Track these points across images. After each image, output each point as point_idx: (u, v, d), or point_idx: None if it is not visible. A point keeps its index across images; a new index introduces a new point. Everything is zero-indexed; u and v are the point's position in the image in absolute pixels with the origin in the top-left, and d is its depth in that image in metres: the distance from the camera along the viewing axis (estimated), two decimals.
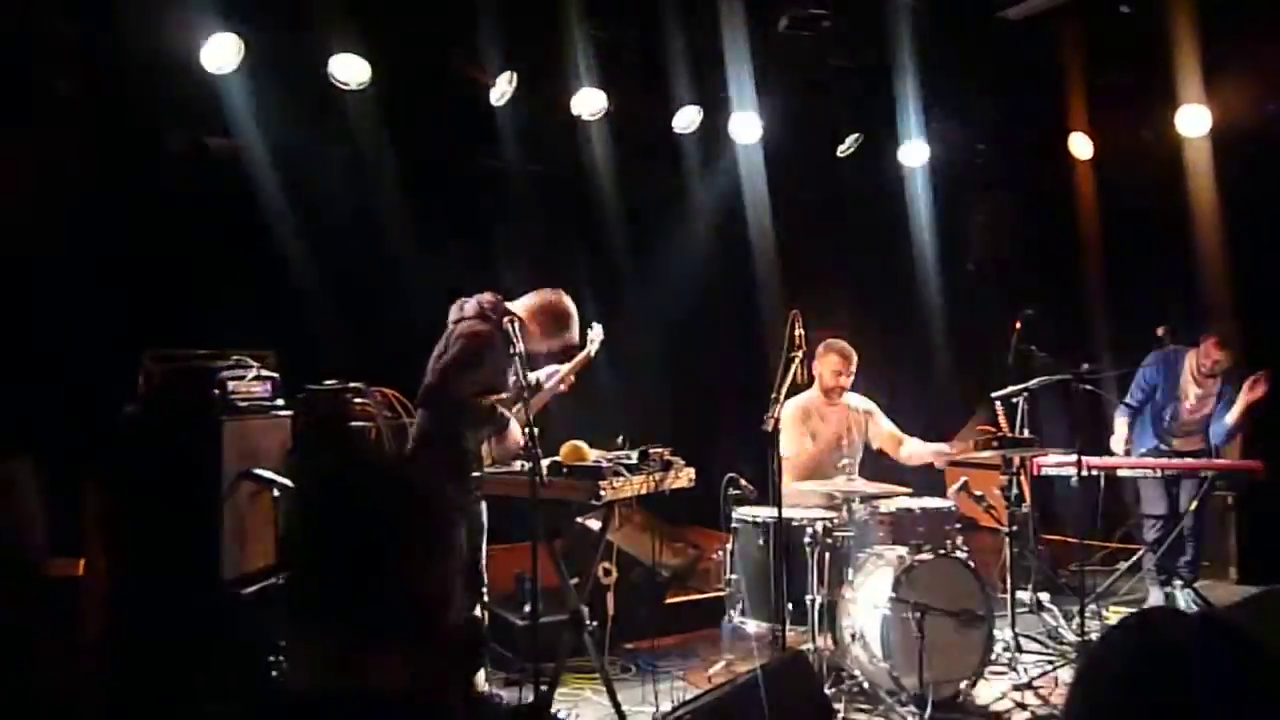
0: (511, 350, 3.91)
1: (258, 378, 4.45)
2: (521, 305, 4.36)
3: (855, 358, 5.28)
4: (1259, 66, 5.73)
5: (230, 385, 4.28)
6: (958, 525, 4.89)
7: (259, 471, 4.19)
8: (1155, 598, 5.63)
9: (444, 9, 5.35)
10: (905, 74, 6.28)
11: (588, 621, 4.11)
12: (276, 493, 4.19)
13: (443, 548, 1.46)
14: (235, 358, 4.41)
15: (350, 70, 5.17)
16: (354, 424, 4.68)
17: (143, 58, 4.80)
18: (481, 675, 4.25)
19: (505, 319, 4.03)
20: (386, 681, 1.34)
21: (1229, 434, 5.48)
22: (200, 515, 3.97)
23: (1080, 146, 6.64)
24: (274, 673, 3.93)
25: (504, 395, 4.19)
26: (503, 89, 5.58)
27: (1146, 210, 6.37)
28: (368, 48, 5.15)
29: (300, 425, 4.56)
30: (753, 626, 4.79)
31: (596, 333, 4.59)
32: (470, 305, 4.25)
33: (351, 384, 4.74)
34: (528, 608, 5.16)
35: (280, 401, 4.52)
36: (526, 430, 3.78)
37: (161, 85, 4.96)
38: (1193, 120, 5.90)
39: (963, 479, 5.19)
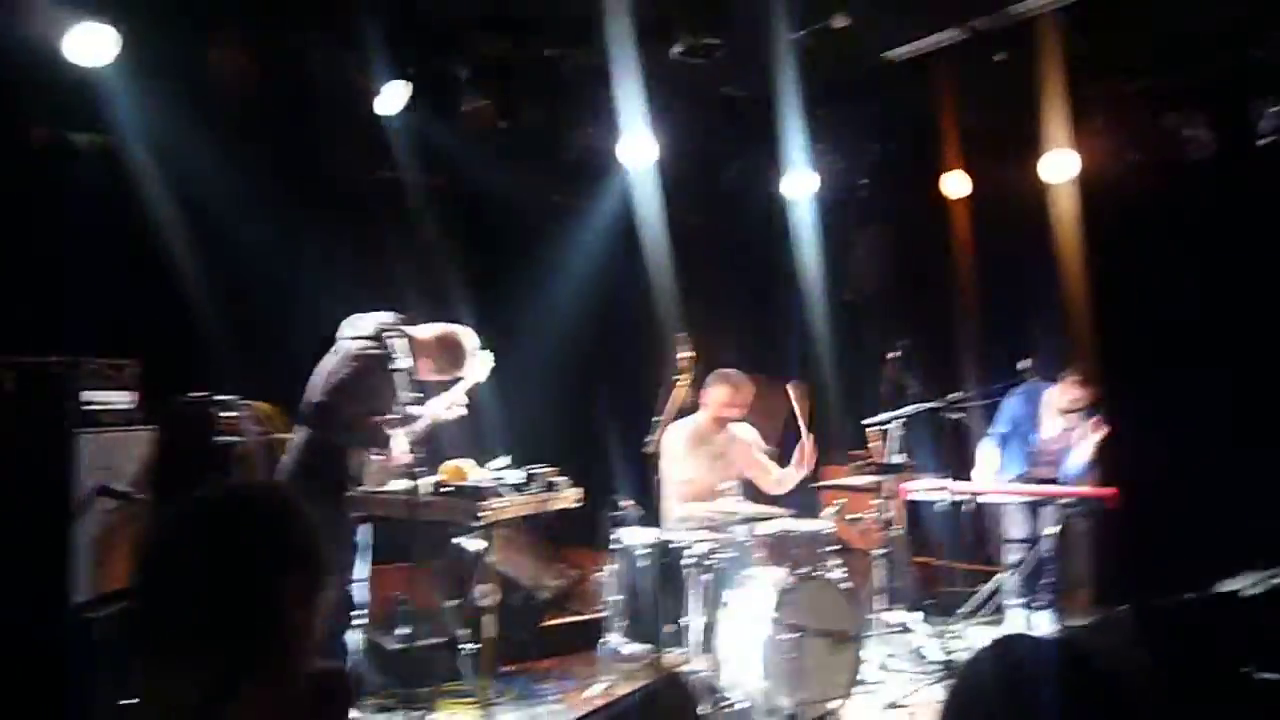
0: (395, 367, 3.81)
1: (118, 387, 4.22)
2: (423, 330, 4.29)
3: (746, 389, 5.36)
4: (1123, 117, 6.11)
5: (88, 395, 4.05)
6: (833, 548, 5.01)
7: (116, 487, 3.96)
8: (1016, 619, 5.87)
9: (333, 11, 5.23)
10: (790, 107, 6.45)
11: (466, 645, 4.02)
12: (136, 510, 3.98)
13: (318, 579, 1.38)
14: (94, 366, 4.17)
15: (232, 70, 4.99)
16: (221, 439, 4.50)
17: (5, 47, 4.52)
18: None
19: (399, 340, 3.94)
20: None
21: (1078, 475, 5.79)
22: (50, 533, 3.71)
23: (954, 186, 6.94)
24: (128, 700, 3.71)
25: (391, 417, 4.09)
26: (392, 98, 5.47)
27: (1015, 250, 6.69)
28: (251, 47, 4.98)
29: (164, 439, 4.36)
30: (631, 648, 4.79)
31: (485, 358, 4.52)
32: (365, 324, 4.13)
33: (219, 397, 4.56)
34: (402, 631, 5.07)
35: (142, 414, 4.30)
36: (409, 452, 3.69)
37: (25, 77, 4.67)
38: (1059, 166, 6.23)
39: (840, 502, 5.31)
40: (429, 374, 4.26)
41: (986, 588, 5.94)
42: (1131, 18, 5.50)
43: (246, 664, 1.27)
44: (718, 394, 5.34)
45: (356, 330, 4.13)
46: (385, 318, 4.13)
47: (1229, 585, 4.79)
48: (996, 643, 1.30)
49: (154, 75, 4.83)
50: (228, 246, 5.19)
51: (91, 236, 4.80)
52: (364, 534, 4.08)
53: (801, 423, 5.38)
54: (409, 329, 4.18)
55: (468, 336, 4.36)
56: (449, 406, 4.41)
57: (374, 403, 4.03)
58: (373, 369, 3.99)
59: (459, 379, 4.42)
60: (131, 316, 4.78)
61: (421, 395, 4.17)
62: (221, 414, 4.50)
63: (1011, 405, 5.93)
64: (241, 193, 5.19)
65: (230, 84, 5.00)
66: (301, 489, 3.84)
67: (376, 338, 4.05)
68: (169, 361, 4.67)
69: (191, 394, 4.53)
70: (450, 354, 4.29)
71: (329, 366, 4.09)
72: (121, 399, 4.22)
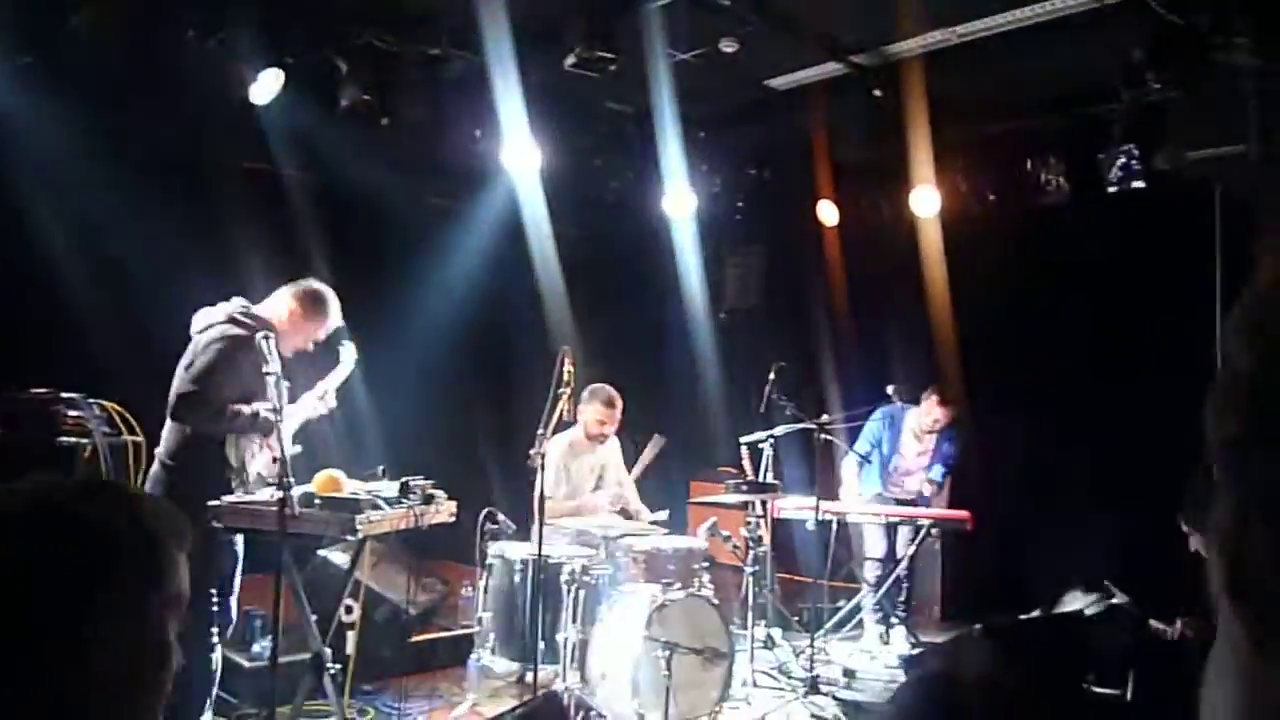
0: (266, 370, 3.61)
1: None
2: (274, 299, 4.07)
3: (619, 405, 5.37)
4: (985, 158, 6.45)
5: None
6: (705, 564, 5.05)
7: None
8: (872, 634, 6.07)
9: None
10: (673, 126, 6.53)
11: (329, 663, 3.84)
12: None
13: (169, 591, 1.11)
14: None
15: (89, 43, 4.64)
16: (66, 439, 4.17)
17: None
18: None
19: (260, 333, 3.73)
20: None
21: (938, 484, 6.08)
22: None
23: (826, 213, 7.16)
24: None
25: (262, 401, 3.88)
26: (267, 87, 5.23)
27: (883, 276, 6.96)
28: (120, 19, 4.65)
29: (0, 436, 4.01)
30: (501, 665, 4.69)
31: (348, 350, 4.35)
32: (218, 312, 3.92)
33: (64, 394, 4.23)
34: (257, 647, 4.81)
35: None
36: (277, 457, 3.50)
37: None
38: (924, 200, 6.53)
39: (712, 519, 5.37)
40: (300, 337, 4.04)
41: (846, 605, 6.14)
42: (995, 67, 5.82)
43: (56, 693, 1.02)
44: (592, 410, 5.33)
45: (208, 320, 3.91)
46: (236, 304, 3.94)
47: (1070, 605, 5.10)
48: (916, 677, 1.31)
49: (10, 46, 4.46)
50: (88, 237, 4.84)
51: None
52: (239, 545, 3.86)
53: (636, 469, 5.49)
54: (259, 307, 3.99)
55: (316, 283, 4.17)
56: (320, 397, 4.22)
57: (240, 386, 3.82)
58: (234, 349, 3.78)
59: (331, 341, 4.21)
60: None
61: (289, 384, 3.96)
62: (68, 412, 4.18)
63: (873, 427, 6.16)
64: (101, 178, 4.85)
65: (91, 59, 4.66)
66: (177, 492, 3.63)
67: (231, 321, 3.85)
68: (8, 354, 4.32)
69: (31, 390, 4.18)
70: (313, 302, 4.08)
71: (186, 360, 3.85)
72: None
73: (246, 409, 3.81)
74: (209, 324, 3.90)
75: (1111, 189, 5.88)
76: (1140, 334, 5.91)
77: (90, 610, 1.05)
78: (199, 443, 3.78)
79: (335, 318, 4.18)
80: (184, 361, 3.85)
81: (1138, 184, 5.84)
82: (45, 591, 1.03)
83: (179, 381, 3.78)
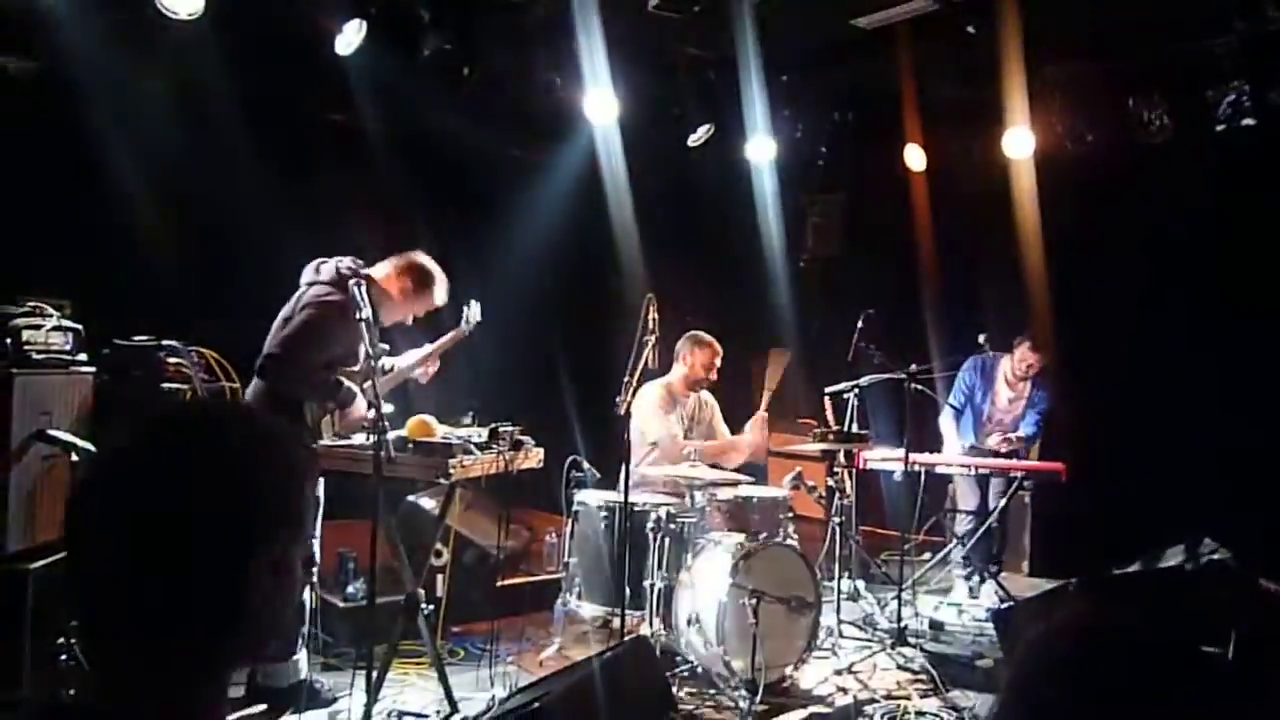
0: (359, 316, 3.64)
1: (57, 328, 3.99)
2: (383, 267, 4.10)
3: (718, 352, 5.38)
4: (1084, 97, 6.17)
5: (25, 335, 3.82)
6: (790, 514, 5.02)
7: (54, 433, 3.75)
8: (960, 588, 5.98)
9: None
10: (753, 70, 6.38)
11: (423, 604, 3.92)
12: (75, 457, 3.77)
13: (300, 530, 1.12)
14: (31, 304, 3.94)
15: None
16: (166, 385, 4.29)
17: None
18: (302, 660, 3.98)
19: (354, 282, 3.76)
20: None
21: (1030, 438, 5.90)
22: None
23: (913, 158, 6.96)
24: (64, 656, 3.55)
25: (353, 369, 3.93)
26: (350, 38, 5.24)
27: (973, 222, 6.76)
28: None
29: (105, 384, 4.14)
30: (587, 610, 4.75)
31: (473, 311, 4.33)
32: (327, 269, 3.92)
33: (165, 342, 4.35)
34: (351, 588, 4.95)
35: (83, 356, 4.08)
36: (372, 406, 3.53)
37: None
38: (1018, 142, 6.29)
39: (797, 469, 5.32)
40: (400, 308, 4.07)
41: (932, 557, 6.05)
42: (1097, 1, 5.54)
43: (193, 649, 1.04)
44: (702, 356, 5.32)
45: (315, 276, 3.93)
46: (344, 262, 3.94)
47: (1170, 560, 4.94)
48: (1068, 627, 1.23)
49: (98, 4, 4.54)
50: (179, 188, 4.94)
51: (30, 171, 4.52)
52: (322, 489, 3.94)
53: (766, 392, 5.39)
54: (368, 269, 4.01)
55: (428, 260, 4.18)
56: (422, 365, 4.25)
57: (332, 353, 3.85)
58: (329, 317, 3.77)
59: (433, 311, 4.24)
60: (74, 256, 4.53)
61: (387, 348, 4.01)
62: (168, 360, 4.30)
63: (966, 377, 6.02)
64: (192, 132, 4.94)
65: (179, 15, 4.71)
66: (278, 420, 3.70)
67: (334, 283, 3.86)
68: (113, 304, 4.45)
69: (135, 338, 4.31)
70: (418, 279, 4.09)
71: (285, 313, 3.89)
72: (59, 340, 4.00)
73: (332, 377, 3.82)
74: (314, 280, 3.91)
75: (1220, 127, 5.60)
76: (1246, 278, 5.63)
77: (265, 539, 1.06)
78: (278, 398, 3.81)
79: (440, 296, 4.16)
80: (283, 314, 3.88)
81: (1248, 121, 5.56)
82: (215, 507, 1.03)
83: (271, 340, 3.80)
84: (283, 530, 1.08)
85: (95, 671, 1.04)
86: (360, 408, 3.86)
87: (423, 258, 4.17)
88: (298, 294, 3.91)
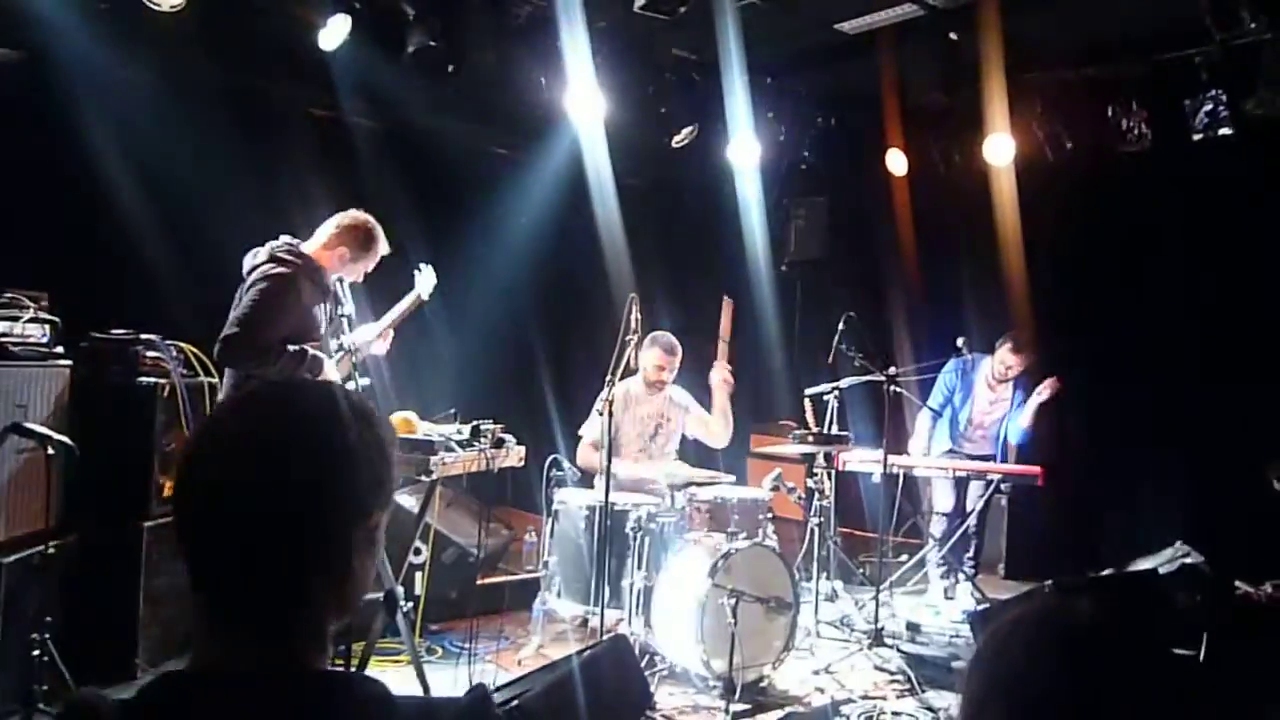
0: (341, 312, 3.62)
1: (34, 320, 3.96)
2: (320, 234, 4.01)
3: (679, 352, 5.31)
4: (1060, 106, 6.23)
5: (1, 327, 3.80)
6: (769, 515, 5.04)
7: (31, 425, 3.71)
8: (937, 589, 6.03)
9: None
10: (737, 73, 6.41)
11: (403, 601, 3.91)
12: (51, 450, 3.74)
13: (390, 500, 1.20)
14: (8, 296, 3.90)
15: None
16: (144, 379, 4.26)
17: None
18: None
19: (328, 276, 3.73)
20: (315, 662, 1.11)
21: (1023, 434, 5.93)
22: None
23: (895, 162, 7.01)
24: (36, 651, 3.51)
25: (317, 341, 3.89)
26: (335, 32, 5.21)
27: (953, 227, 6.81)
28: None
29: (82, 376, 4.11)
30: (566, 609, 4.75)
31: (426, 274, 4.30)
32: (262, 252, 3.90)
33: (143, 335, 4.31)
34: None
35: (60, 349, 4.05)
36: (352, 383, 3.50)
37: None
38: (998, 149, 6.34)
39: (777, 470, 5.34)
40: (349, 268, 4.00)
41: (910, 559, 6.09)
42: (1075, 8, 5.60)
43: (305, 610, 1.10)
44: (650, 356, 5.27)
45: (253, 261, 3.89)
46: (278, 244, 3.90)
47: (1143, 564, 4.99)
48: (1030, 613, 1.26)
49: None
50: (160, 181, 4.89)
51: (9, 162, 4.47)
52: None
53: (722, 343, 5.34)
54: (306, 244, 3.96)
55: (359, 213, 4.11)
56: (380, 334, 4.21)
57: (287, 325, 3.79)
58: (277, 289, 3.71)
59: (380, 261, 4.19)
60: (52, 248, 4.48)
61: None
62: (146, 353, 4.27)
63: (947, 379, 6.05)
64: (175, 125, 4.90)
65: (163, 7, 4.68)
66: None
67: (276, 260, 3.81)
68: (91, 297, 4.41)
69: (112, 331, 4.27)
70: (360, 234, 4.00)
71: (235, 302, 3.84)
72: (36, 332, 3.97)
73: (293, 348, 3.76)
74: (253, 264, 3.88)
75: (1196, 136, 5.67)
76: (1222, 287, 5.71)
77: (368, 507, 1.13)
78: (246, 382, 3.78)
79: (382, 248, 4.08)
80: (234, 304, 3.85)
81: (1225, 131, 5.63)
82: (339, 475, 1.10)
83: (226, 325, 3.77)
84: (379, 498, 1.15)
85: (215, 641, 1.09)
86: (333, 379, 3.83)
87: (352, 215, 4.06)
88: (242, 285, 3.86)
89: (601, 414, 4.43)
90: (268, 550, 1.07)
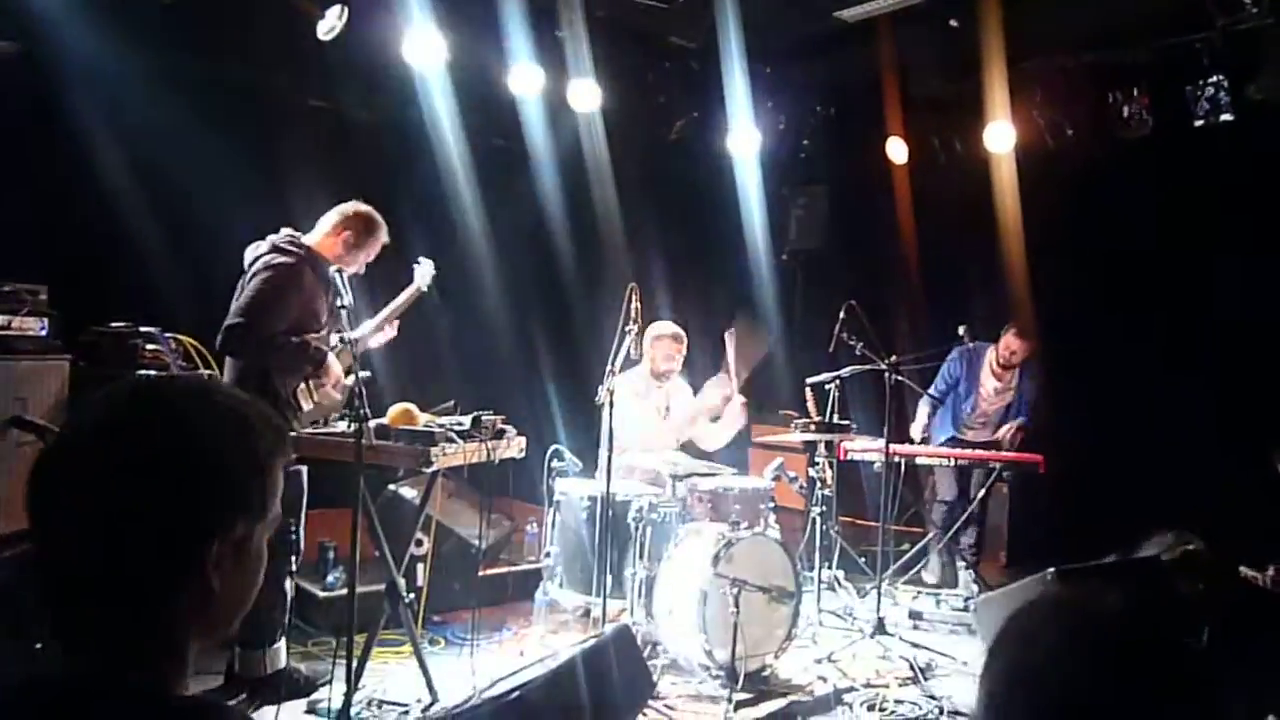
0: (340, 303, 3.62)
1: (31, 313, 3.95)
2: (322, 225, 4.04)
3: (683, 341, 5.33)
4: (1061, 92, 6.21)
5: None
6: (771, 505, 5.03)
7: (30, 418, 3.71)
8: (939, 577, 6.03)
9: None
10: (736, 62, 6.38)
11: (404, 593, 3.91)
12: (49, 443, 3.73)
13: (264, 510, 1.12)
14: (6, 289, 3.89)
15: None
16: (143, 371, 4.25)
17: None
18: (281, 649, 3.96)
19: (327, 267, 3.74)
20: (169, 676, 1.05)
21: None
22: None
23: (895, 151, 6.98)
24: (37, 645, 3.50)
25: (319, 333, 3.90)
26: (331, 23, 5.18)
27: (954, 215, 6.78)
28: None
29: (81, 369, 4.09)
30: (568, 599, 4.75)
31: (425, 267, 4.33)
32: (264, 244, 3.91)
33: (142, 328, 4.30)
34: (331, 577, 4.92)
35: (59, 342, 4.03)
36: (352, 377, 3.51)
37: None
38: (999, 136, 6.32)
39: (779, 460, 5.33)
40: (352, 259, 4.00)
41: (912, 547, 6.09)
42: None
43: (153, 627, 1.04)
44: (661, 347, 5.30)
45: (255, 253, 3.91)
46: (280, 236, 3.92)
47: (1147, 550, 4.98)
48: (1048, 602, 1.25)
49: None
50: (158, 174, 4.87)
51: (6, 154, 4.45)
52: (305, 477, 3.92)
53: (732, 376, 5.36)
54: (308, 236, 3.97)
55: (358, 206, 4.12)
56: (379, 327, 4.23)
57: (289, 316, 3.80)
58: (280, 279, 3.75)
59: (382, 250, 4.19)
60: (50, 241, 4.46)
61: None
62: (145, 346, 4.25)
63: (951, 367, 6.05)
64: (172, 117, 4.87)
65: None
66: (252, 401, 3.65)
67: (278, 251, 3.83)
68: (88, 289, 4.40)
69: (111, 324, 4.26)
70: (362, 224, 4.03)
71: (237, 293, 3.85)
72: (35, 326, 3.95)
73: (295, 339, 3.78)
74: (255, 256, 3.90)
75: (1198, 122, 5.65)
76: (1224, 272, 5.69)
77: (226, 522, 1.06)
78: (250, 376, 3.78)
79: (383, 238, 4.12)
80: (235, 296, 3.86)
81: (1226, 117, 5.61)
82: (171, 485, 1.03)
83: (229, 315, 3.78)
84: (242, 513, 1.07)
85: (61, 645, 1.04)
86: (335, 370, 3.84)
87: (352, 206, 4.10)
88: (244, 275, 3.87)
89: (610, 405, 4.41)
90: (102, 567, 1.01)
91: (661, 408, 5.40)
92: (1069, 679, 1.10)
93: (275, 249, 3.86)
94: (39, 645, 3.46)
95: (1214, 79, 5.57)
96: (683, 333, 5.35)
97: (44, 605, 1.04)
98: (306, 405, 3.91)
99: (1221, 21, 5.18)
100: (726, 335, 5.39)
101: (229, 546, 1.06)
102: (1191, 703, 1.10)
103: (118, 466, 1.01)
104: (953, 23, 5.73)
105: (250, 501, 1.08)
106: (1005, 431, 5.90)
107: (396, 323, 4.32)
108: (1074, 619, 1.16)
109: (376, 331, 4.24)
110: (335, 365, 3.91)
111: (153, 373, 4.19)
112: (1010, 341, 5.78)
